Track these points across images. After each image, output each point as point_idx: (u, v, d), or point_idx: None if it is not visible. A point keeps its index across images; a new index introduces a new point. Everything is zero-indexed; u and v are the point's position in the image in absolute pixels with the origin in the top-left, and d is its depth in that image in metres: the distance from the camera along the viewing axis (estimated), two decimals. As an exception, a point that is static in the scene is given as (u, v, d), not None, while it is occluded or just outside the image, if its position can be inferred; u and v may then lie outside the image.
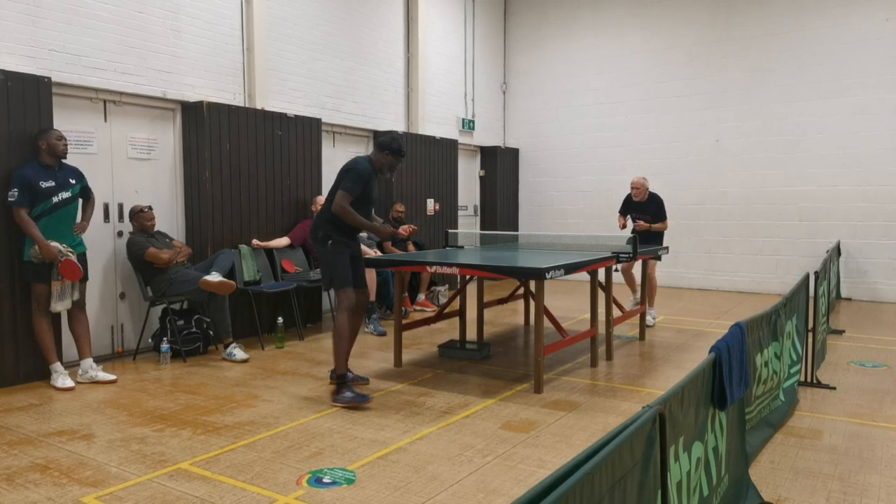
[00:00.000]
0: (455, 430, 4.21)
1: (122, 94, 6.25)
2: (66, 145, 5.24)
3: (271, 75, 7.73)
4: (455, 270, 5.16)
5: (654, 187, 10.83)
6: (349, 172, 4.75)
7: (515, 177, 12.36)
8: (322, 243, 4.81)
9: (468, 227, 11.70)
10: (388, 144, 4.89)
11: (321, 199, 7.38)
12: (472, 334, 6.92)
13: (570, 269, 5.11)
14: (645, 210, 7.64)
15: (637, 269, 8.69)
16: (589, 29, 11.50)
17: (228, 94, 7.25)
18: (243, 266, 6.83)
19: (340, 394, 4.67)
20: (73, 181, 5.27)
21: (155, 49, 6.50)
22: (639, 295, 7.82)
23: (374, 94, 9.40)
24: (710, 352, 2.74)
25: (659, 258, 7.45)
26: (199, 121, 6.63)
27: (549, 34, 11.91)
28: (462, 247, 7.19)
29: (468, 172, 11.75)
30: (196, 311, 6.35)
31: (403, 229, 5.45)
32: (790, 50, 9.83)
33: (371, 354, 6.27)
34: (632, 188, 7.68)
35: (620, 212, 7.92)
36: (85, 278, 5.30)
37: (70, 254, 5.12)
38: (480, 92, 11.77)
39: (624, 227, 7.82)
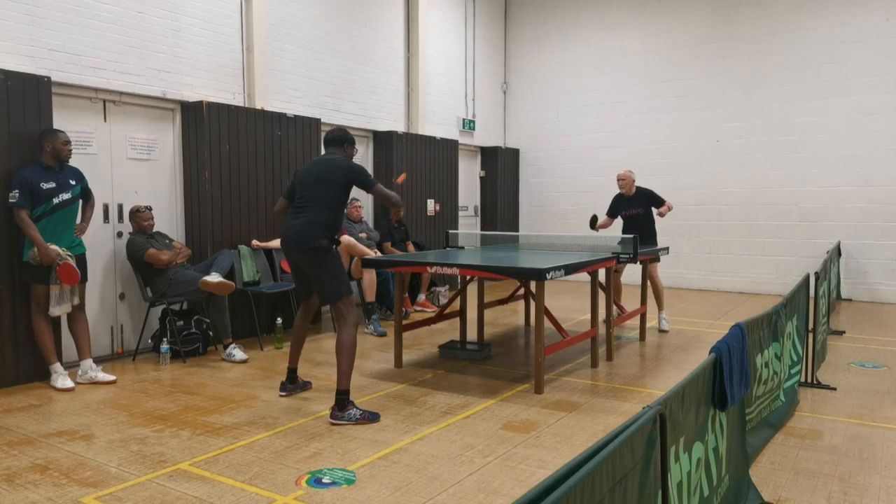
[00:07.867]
0: (455, 430, 4.21)
1: (121, 93, 6.25)
2: (70, 150, 5.24)
3: (271, 75, 7.73)
4: (455, 271, 5.16)
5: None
6: (360, 172, 4.57)
7: (516, 177, 12.36)
8: (325, 251, 4.43)
9: (469, 227, 11.70)
10: (350, 138, 4.74)
11: None
12: (472, 335, 6.92)
13: (571, 269, 5.10)
14: (635, 204, 7.47)
15: (632, 273, 8.68)
16: (590, 29, 11.50)
17: (228, 93, 7.25)
18: (242, 266, 6.83)
19: (346, 411, 4.31)
20: (73, 182, 5.26)
21: (155, 49, 6.49)
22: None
23: (374, 94, 9.39)
24: (711, 352, 2.74)
25: (658, 259, 7.37)
26: (198, 121, 6.62)
27: (550, 34, 11.91)
28: (462, 247, 7.18)
29: (468, 173, 11.75)
30: (195, 311, 6.34)
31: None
32: (790, 50, 9.82)
33: (371, 355, 6.26)
34: (618, 180, 7.51)
35: (608, 213, 7.65)
36: (84, 279, 5.29)
37: (69, 258, 5.11)
38: (481, 92, 11.77)
39: (606, 226, 7.63)
